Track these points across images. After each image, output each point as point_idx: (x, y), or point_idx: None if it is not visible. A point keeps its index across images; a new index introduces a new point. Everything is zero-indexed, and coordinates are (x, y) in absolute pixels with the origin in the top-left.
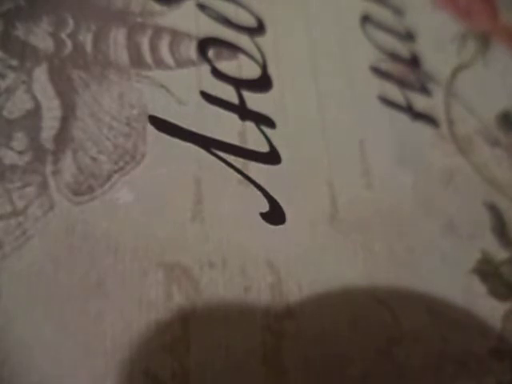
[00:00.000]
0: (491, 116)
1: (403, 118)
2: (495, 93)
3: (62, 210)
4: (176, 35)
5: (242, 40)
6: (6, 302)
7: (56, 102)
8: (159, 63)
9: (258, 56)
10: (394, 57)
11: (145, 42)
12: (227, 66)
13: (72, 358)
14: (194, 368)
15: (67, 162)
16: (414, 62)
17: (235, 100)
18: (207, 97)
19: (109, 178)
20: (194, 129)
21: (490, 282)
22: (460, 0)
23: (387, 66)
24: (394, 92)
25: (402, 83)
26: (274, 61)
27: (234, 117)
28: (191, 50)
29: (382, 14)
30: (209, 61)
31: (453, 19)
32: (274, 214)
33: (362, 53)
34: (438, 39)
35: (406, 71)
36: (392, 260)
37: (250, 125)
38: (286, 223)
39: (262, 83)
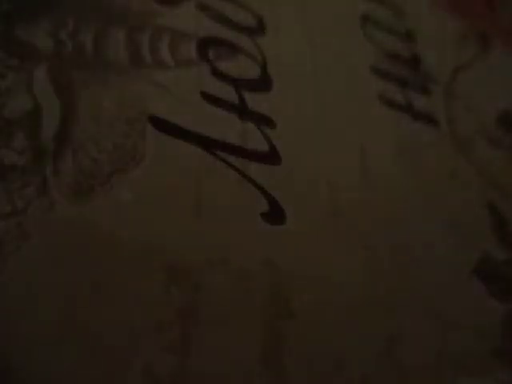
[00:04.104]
0: (491, 116)
1: (403, 118)
2: (495, 93)
3: (62, 210)
4: (176, 35)
5: (242, 40)
6: (6, 302)
7: (56, 102)
8: (159, 63)
9: (258, 56)
10: (394, 57)
11: (145, 42)
12: (227, 66)
13: (72, 358)
14: (194, 368)
15: (67, 162)
16: (414, 61)
17: (235, 100)
18: (207, 97)
19: (109, 177)
20: (193, 129)
21: (490, 282)
22: (460, 0)
23: (387, 66)
24: (394, 92)
25: (402, 83)
26: (274, 61)
27: (233, 117)
28: (191, 50)
29: (382, 14)
30: (209, 61)
31: (453, 19)
32: (274, 214)
33: (362, 53)
34: (438, 39)
35: (406, 71)
36: (392, 260)
37: (249, 125)
38: (286, 223)
39: (262, 83)
